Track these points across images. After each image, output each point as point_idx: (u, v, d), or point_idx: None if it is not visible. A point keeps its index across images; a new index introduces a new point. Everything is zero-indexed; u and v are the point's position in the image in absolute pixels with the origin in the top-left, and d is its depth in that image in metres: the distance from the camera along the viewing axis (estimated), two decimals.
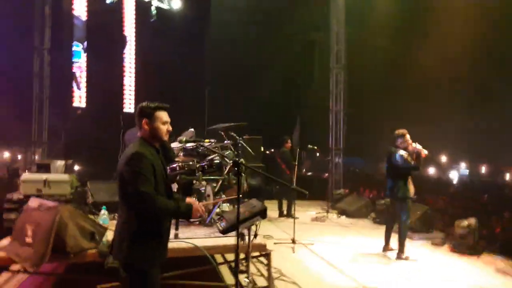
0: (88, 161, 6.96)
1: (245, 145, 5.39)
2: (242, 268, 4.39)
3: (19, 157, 10.24)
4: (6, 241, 3.95)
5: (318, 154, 11.03)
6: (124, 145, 4.44)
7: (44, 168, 4.60)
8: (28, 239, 3.73)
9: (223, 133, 5.30)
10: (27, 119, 8.88)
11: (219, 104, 9.99)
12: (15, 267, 4.14)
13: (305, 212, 9.00)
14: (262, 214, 3.25)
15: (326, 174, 11.44)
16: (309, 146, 7.90)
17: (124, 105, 10.58)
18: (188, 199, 2.75)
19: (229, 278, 4.47)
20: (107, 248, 3.79)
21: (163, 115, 2.62)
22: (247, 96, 11.10)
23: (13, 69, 8.81)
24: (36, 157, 8.50)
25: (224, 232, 3.22)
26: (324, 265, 5.33)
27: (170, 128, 2.67)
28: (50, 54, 9.02)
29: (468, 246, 5.84)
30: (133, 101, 10.57)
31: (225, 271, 4.72)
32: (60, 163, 4.66)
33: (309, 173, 8.87)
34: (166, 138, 2.69)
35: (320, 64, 12.20)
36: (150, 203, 2.40)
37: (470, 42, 10.25)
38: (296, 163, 7.02)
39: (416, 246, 6.24)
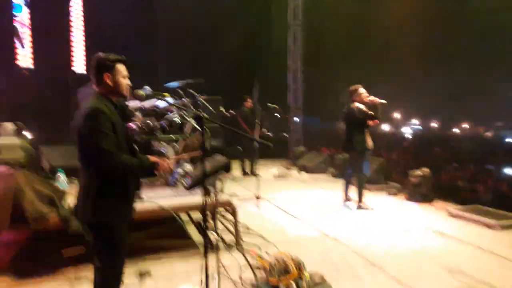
0: (36, 124, 6.60)
1: (205, 103, 5.31)
2: (208, 225, 4.47)
3: None
4: None
5: (277, 114, 11.15)
6: (77, 106, 4.24)
7: None
8: None
9: (180, 91, 5.16)
10: None
11: (174, 64, 9.72)
12: None
13: (267, 170, 9.21)
14: (226, 167, 3.28)
15: (285, 134, 11.66)
16: (269, 104, 7.94)
17: (72, 64, 10.00)
18: (151, 157, 2.68)
19: (196, 236, 4.54)
20: (68, 212, 3.73)
21: (123, 69, 2.49)
22: (204, 55, 10.84)
23: None
24: None
25: (190, 187, 3.23)
26: (287, 218, 5.55)
27: (130, 83, 2.57)
28: None
29: (422, 194, 6.26)
30: (82, 59, 10.01)
31: (191, 229, 4.79)
32: (11, 126, 4.39)
33: (269, 133, 8.99)
34: (127, 93, 2.58)
35: (278, 21, 12.06)
36: (112, 160, 2.32)
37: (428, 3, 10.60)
38: (258, 122, 7.08)
39: (374, 196, 6.60)
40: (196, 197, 4.14)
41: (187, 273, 3.57)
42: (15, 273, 3.66)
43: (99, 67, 2.45)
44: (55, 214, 3.70)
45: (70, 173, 4.70)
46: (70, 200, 3.97)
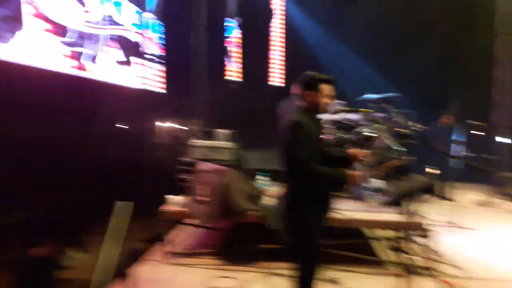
0: (240, 131, 7.60)
1: (400, 117, 5.17)
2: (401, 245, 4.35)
3: (180, 127, 11.55)
4: (181, 198, 4.65)
5: (479, 133, 9.93)
6: (279, 117, 4.71)
7: (210, 135, 5.25)
8: (201, 198, 4.34)
9: (373, 104, 5.15)
10: (186, 92, 10.04)
11: (366, 75, 9.71)
12: (189, 221, 4.89)
13: (464, 195, 8.28)
14: (429, 189, 3.16)
15: (489, 156, 10.27)
16: (470, 121, 7.18)
17: (270, 79, 11.08)
18: (346, 170, 2.74)
19: (381, 254, 4.47)
20: (266, 210, 4.19)
21: (327, 89, 2.69)
22: (394, 67, 10.49)
23: (172, 46, 9.96)
24: (195, 127, 9.62)
25: (389, 204, 3.22)
26: (491, 252, 4.90)
27: (331, 101, 2.74)
28: (206, 30, 9.95)
29: None
30: (279, 74, 11.00)
31: (376, 246, 4.73)
32: (224, 131, 5.23)
33: (470, 154, 8.07)
34: (324, 112, 2.77)
35: (483, 29, 10.77)
36: (306, 168, 2.53)
37: None
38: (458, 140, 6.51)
39: None
40: (385, 215, 4.12)
41: None
42: (222, 256, 4.33)
43: (304, 84, 2.72)
44: (255, 211, 4.23)
45: (267, 175, 5.25)
46: (268, 200, 4.46)
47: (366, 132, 4.90)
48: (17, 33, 5.10)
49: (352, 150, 2.73)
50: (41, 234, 4.55)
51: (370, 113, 4.60)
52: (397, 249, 3.00)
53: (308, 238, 2.67)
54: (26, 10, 5.22)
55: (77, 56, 6.24)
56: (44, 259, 4.37)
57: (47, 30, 5.54)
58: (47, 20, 5.57)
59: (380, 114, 4.75)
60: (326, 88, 2.69)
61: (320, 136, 2.82)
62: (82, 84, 7.08)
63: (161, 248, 4.48)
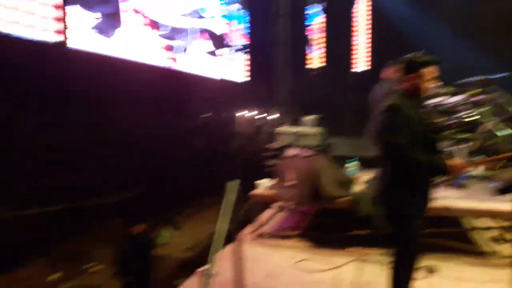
0: (326, 118, 7.58)
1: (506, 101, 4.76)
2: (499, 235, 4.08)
3: (261, 116, 11.78)
4: (270, 182, 4.80)
5: None
6: (370, 102, 4.62)
7: (297, 121, 5.33)
8: (289, 183, 4.44)
9: (477, 87, 4.81)
10: (269, 81, 10.21)
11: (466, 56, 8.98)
12: (277, 204, 5.04)
13: None
14: None
15: None
16: None
17: (352, 65, 10.82)
18: (447, 160, 2.57)
19: (482, 244, 4.21)
20: (357, 197, 4.16)
21: (430, 72, 2.55)
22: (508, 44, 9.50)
23: (255, 35, 10.14)
24: (277, 115, 9.76)
25: (495, 193, 3.01)
26: None
27: (434, 85, 2.60)
28: (289, 19, 9.98)
29: None
30: (363, 61, 10.68)
31: (476, 236, 4.45)
32: (311, 117, 5.27)
33: None
34: (425, 95, 2.64)
35: None
36: (403, 155, 2.43)
37: None
38: None
39: None
40: (492, 203, 3.86)
41: (475, 280, 3.39)
42: (311, 240, 4.40)
43: (406, 68, 2.61)
44: (345, 197, 4.22)
45: (355, 162, 5.19)
46: (358, 187, 4.42)
47: (469, 116, 4.60)
48: (118, 29, 5.61)
49: (452, 162, 2.55)
50: (139, 214, 4.99)
51: (475, 95, 4.32)
52: (501, 239, 2.80)
53: (407, 225, 2.60)
54: (125, 7, 5.70)
55: (171, 48, 6.69)
56: (142, 237, 4.80)
57: (145, 25, 6.00)
58: (144, 15, 6.03)
59: (485, 97, 4.43)
60: (428, 71, 2.55)
61: (423, 121, 2.69)
62: (176, 76, 7.59)
63: (252, 230, 4.66)
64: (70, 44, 5.21)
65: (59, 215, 6.48)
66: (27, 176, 5.10)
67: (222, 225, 1.58)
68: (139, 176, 7.82)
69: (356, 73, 10.66)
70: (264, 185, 4.70)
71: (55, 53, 5.22)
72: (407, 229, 2.60)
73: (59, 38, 5.01)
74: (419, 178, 2.60)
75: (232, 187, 1.69)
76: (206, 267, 3.76)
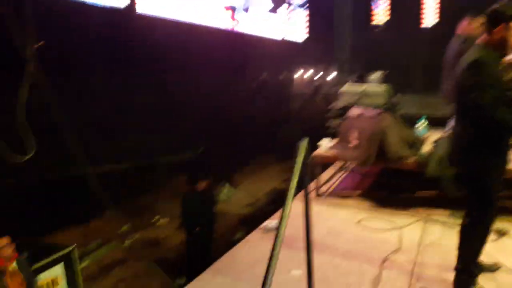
0: (393, 76, 7.26)
1: None
2: None
3: (323, 75, 11.53)
4: (332, 142, 4.77)
5: None
6: (445, 59, 4.34)
7: (362, 79, 5.17)
8: (354, 143, 4.38)
9: None
10: (329, 39, 9.89)
11: None
12: (338, 164, 5.03)
13: None
14: None
15: None
16: None
17: (421, 19, 10.14)
18: None
19: None
20: (425, 158, 4.04)
21: None
22: None
23: None
24: (340, 74, 9.52)
25: None
26: None
27: None
28: None
29: None
30: (432, 14, 9.97)
31: None
32: (377, 74, 5.08)
33: None
34: (509, 50, 2.41)
35: None
36: (488, 113, 2.29)
37: None
38: None
39: None
40: None
41: None
42: (374, 200, 4.38)
43: (493, 18, 2.40)
44: (413, 158, 4.10)
45: (424, 121, 5.00)
46: (426, 147, 4.28)
47: None
48: None
49: None
50: (203, 171, 5.20)
51: None
52: None
53: (487, 188, 2.49)
54: None
55: (233, 9, 6.68)
56: (205, 193, 5.04)
57: None
58: None
59: None
60: None
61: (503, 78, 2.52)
62: (239, 39, 7.60)
63: (313, 188, 4.72)
64: (139, 9, 5.42)
65: (130, 172, 6.96)
66: (102, 136, 5.49)
67: (293, 182, 1.62)
68: (202, 136, 8.12)
69: (424, 27, 10.01)
70: (325, 146, 4.68)
71: (125, 18, 5.47)
72: (487, 192, 2.50)
73: (127, 3, 5.22)
74: (503, 140, 2.47)
75: (303, 145, 1.71)
76: (268, 222, 3.92)
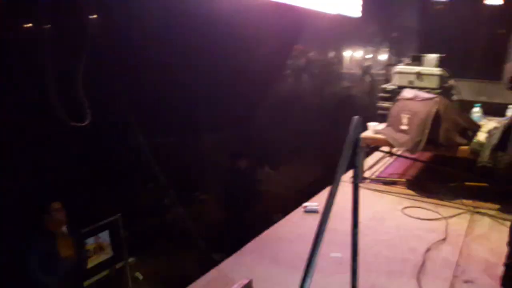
0: (450, 59, 6.87)
1: None
2: None
3: (371, 53, 11.18)
4: (381, 125, 4.64)
5: None
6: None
7: (417, 60, 4.94)
8: (404, 127, 4.24)
9: None
10: (383, 16, 9.47)
11: None
12: (386, 149, 4.91)
13: None
14: None
15: None
16: None
17: None
18: None
19: None
20: (479, 147, 3.85)
21: None
22: None
23: None
24: (388, 53, 9.17)
25: None
26: None
27: None
28: None
29: None
30: None
31: None
32: (433, 56, 4.84)
33: None
34: None
35: None
36: None
37: None
38: None
39: None
40: None
41: None
42: (420, 188, 4.27)
43: None
44: (467, 146, 3.92)
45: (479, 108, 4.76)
46: (481, 135, 4.07)
47: None
48: None
49: None
50: (245, 150, 5.25)
51: None
52: None
53: None
54: None
55: None
56: (247, 171, 5.10)
57: None
58: None
59: None
60: None
61: None
62: (290, 12, 7.44)
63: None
64: None
65: (174, 146, 7.16)
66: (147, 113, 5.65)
67: (343, 162, 1.60)
68: (246, 114, 8.17)
69: (488, 5, 9.38)
70: (374, 128, 4.57)
71: None
72: None
73: None
74: None
75: (355, 123, 1.69)
76: (309, 203, 3.93)
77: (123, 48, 4.51)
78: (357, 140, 1.64)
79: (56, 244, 3.19)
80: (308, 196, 4.21)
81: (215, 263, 2.91)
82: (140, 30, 4.84)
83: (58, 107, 3.54)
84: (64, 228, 3.27)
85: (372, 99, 5.97)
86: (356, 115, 1.70)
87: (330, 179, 1.62)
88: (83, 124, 3.69)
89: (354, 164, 1.81)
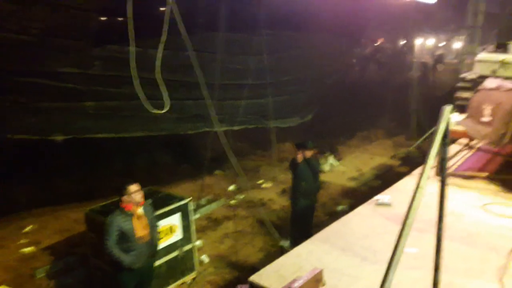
0: None
1: None
2: None
3: (447, 41, 10.68)
4: (459, 117, 4.44)
5: None
6: None
7: (502, 47, 4.64)
8: (486, 118, 4.03)
9: None
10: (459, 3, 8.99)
11: None
12: (465, 141, 4.70)
13: None
14: None
15: None
16: None
17: None
18: None
19: None
20: None
21: None
22: None
23: None
24: (460, 43, 8.68)
25: None
26: None
27: None
28: None
29: None
30: None
31: None
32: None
33: None
34: None
35: None
36: None
37: None
38: None
39: None
40: None
41: None
42: (500, 182, 4.06)
43: None
44: None
45: None
46: None
47: None
48: None
49: None
50: (309, 140, 5.22)
51: None
52: None
53: None
54: None
55: None
56: (311, 161, 5.06)
57: None
58: None
59: None
60: None
61: None
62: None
63: (434, 166, 4.48)
64: None
65: (238, 134, 7.34)
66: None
67: (432, 153, 1.58)
68: (312, 104, 8.15)
69: None
70: (453, 119, 4.37)
71: None
72: None
73: None
74: None
75: (447, 112, 1.64)
76: (380, 196, 3.87)
77: None
78: (446, 131, 1.61)
79: (132, 224, 3.40)
80: (377, 188, 4.13)
81: (283, 250, 2.97)
82: None
83: None
84: (140, 210, 3.48)
85: (449, 88, 5.70)
86: (432, 106, 1.66)
87: None
88: None
89: (441, 156, 1.77)
